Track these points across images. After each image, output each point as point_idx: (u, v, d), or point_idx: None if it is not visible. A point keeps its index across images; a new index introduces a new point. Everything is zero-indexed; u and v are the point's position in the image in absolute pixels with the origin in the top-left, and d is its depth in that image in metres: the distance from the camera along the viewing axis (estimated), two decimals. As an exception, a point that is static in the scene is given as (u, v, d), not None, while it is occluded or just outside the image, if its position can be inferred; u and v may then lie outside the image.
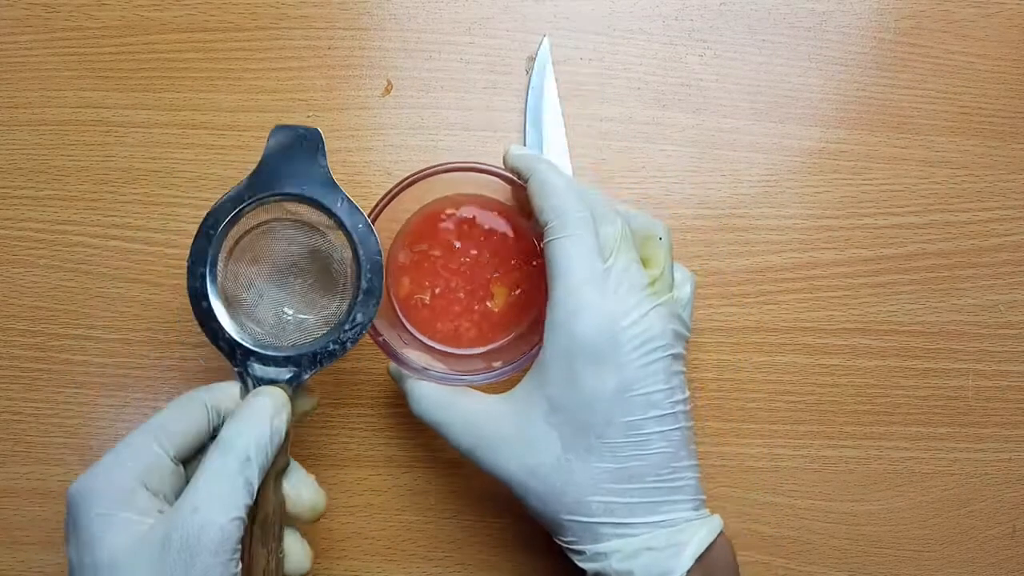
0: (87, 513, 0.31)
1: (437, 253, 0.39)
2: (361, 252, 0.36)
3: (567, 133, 0.44)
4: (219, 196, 0.35)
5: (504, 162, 0.37)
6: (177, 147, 0.44)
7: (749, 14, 0.45)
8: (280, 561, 0.34)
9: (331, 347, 0.35)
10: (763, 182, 0.45)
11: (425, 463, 0.43)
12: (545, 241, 0.35)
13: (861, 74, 0.45)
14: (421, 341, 0.40)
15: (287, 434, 0.34)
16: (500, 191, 0.39)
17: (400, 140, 0.44)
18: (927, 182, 0.45)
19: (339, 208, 0.35)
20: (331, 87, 0.44)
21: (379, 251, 0.35)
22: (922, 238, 0.45)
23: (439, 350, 0.40)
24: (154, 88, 0.44)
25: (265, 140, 0.35)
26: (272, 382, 0.35)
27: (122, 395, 0.43)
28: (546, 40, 0.44)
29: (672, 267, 0.37)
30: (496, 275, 0.39)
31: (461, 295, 0.39)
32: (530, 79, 0.44)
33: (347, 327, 0.35)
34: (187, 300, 0.35)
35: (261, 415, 0.33)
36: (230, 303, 0.36)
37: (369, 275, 0.35)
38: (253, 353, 0.35)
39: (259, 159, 0.35)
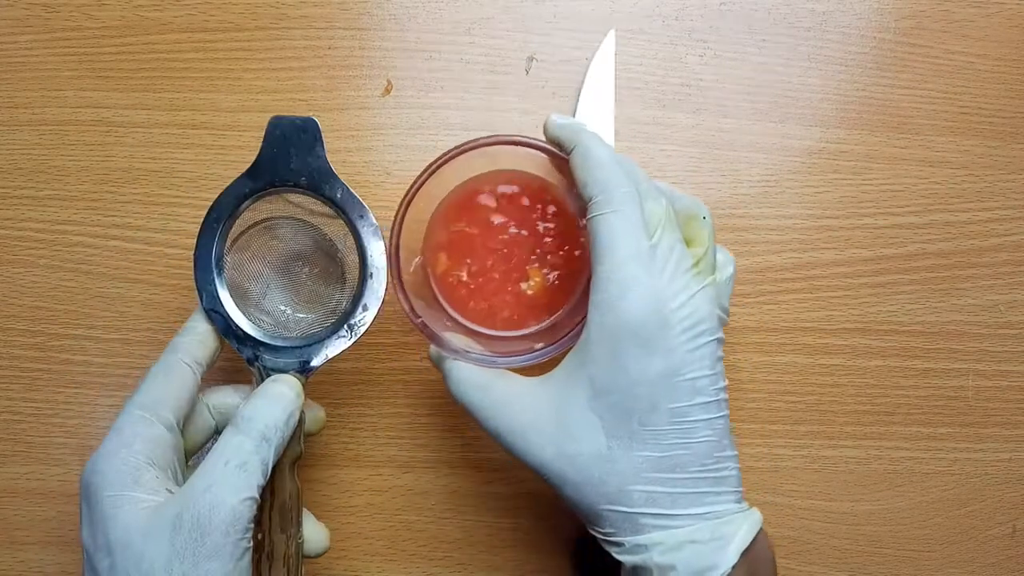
0: (98, 496, 0.31)
1: (475, 231, 0.38)
2: (364, 240, 0.36)
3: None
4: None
5: (545, 131, 0.36)
6: (177, 147, 0.44)
7: (749, 14, 0.45)
8: (299, 545, 0.35)
9: (340, 335, 0.36)
10: (763, 182, 0.45)
11: (425, 463, 0.43)
12: (589, 216, 0.33)
13: (861, 74, 0.45)
14: (459, 322, 0.39)
15: (301, 421, 0.35)
16: (541, 166, 0.38)
17: (400, 140, 0.44)
18: (927, 182, 0.45)
19: (339, 197, 0.36)
20: (331, 87, 0.44)
21: (383, 239, 0.36)
22: (922, 238, 0.45)
23: (477, 331, 0.39)
24: (154, 88, 0.44)
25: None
26: (282, 372, 0.36)
27: (122, 395, 0.43)
28: (612, 33, 0.44)
29: (715, 248, 0.35)
30: (535, 254, 0.38)
31: (497, 275, 0.38)
32: (588, 68, 0.44)
33: (355, 315, 0.36)
34: (188, 299, 0.35)
35: (276, 398, 0.34)
36: (237, 295, 0.36)
37: (373, 264, 0.36)
38: (263, 344, 0.36)
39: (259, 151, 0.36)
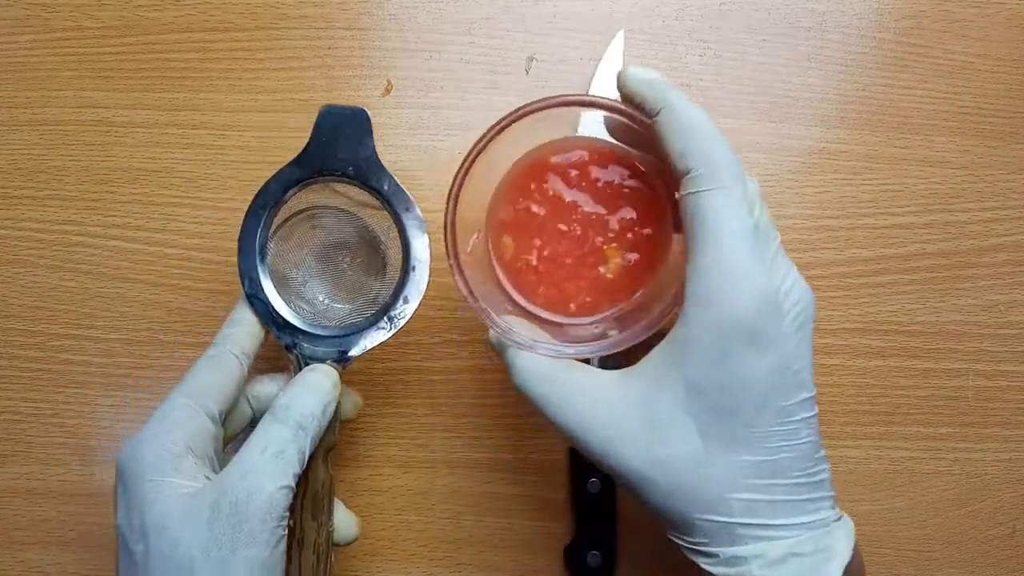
0: (138, 480, 0.31)
1: (543, 209, 0.34)
2: (408, 233, 0.36)
3: None
4: (265, 179, 0.35)
5: (621, 87, 0.31)
6: (177, 147, 0.44)
7: (749, 14, 0.45)
8: (330, 534, 0.35)
9: (380, 327, 0.36)
10: (763, 182, 0.45)
11: (425, 463, 0.43)
12: (687, 192, 0.29)
13: (861, 74, 0.45)
14: (524, 308, 0.35)
15: (337, 411, 0.35)
16: (612, 130, 0.33)
17: (400, 140, 0.44)
18: (927, 182, 0.45)
19: (387, 189, 0.36)
20: (331, 87, 0.44)
21: (426, 234, 0.36)
22: (922, 238, 0.45)
23: (544, 318, 0.35)
24: (154, 88, 0.44)
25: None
26: (320, 361, 0.36)
27: (122, 395, 0.43)
28: (621, 33, 0.44)
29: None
30: (612, 234, 0.34)
31: (571, 260, 0.34)
32: (596, 69, 0.44)
33: (396, 307, 0.36)
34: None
35: (314, 388, 0.34)
36: (278, 282, 0.37)
37: (416, 257, 0.36)
38: (302, 332, 0.36)
39: (305, 143, 0.36)
